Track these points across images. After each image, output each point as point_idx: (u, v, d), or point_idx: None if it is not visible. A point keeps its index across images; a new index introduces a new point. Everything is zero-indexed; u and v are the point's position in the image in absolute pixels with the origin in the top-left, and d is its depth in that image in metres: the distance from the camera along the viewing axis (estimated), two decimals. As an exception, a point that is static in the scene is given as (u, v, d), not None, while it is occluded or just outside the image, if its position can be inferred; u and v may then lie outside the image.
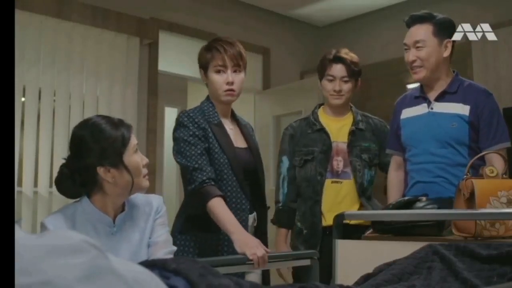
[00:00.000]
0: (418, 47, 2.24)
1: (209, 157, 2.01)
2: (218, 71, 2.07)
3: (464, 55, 3.95)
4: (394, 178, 2.43)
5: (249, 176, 2.10)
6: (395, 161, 2.43)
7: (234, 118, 2.22)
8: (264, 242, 2.11)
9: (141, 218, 1.71)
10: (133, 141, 1.65)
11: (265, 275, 2.14)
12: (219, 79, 2.07)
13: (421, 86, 2.35)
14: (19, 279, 0.50)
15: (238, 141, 2.13)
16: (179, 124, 2.06)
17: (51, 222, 1.58)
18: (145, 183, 1.68)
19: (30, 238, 0.56)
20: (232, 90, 2.08)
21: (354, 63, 2.49)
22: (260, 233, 2.12)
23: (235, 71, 2.08)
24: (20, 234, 0.57)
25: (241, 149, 2.12)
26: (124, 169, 1.60)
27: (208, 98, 2.16)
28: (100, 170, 1.59)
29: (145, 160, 1.68)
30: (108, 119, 1.66)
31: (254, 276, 2.05)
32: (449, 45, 2.25)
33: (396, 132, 2.40)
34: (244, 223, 2.00)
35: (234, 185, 2.02)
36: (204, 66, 2.13)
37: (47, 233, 0.60)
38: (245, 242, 1.78)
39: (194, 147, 1.99)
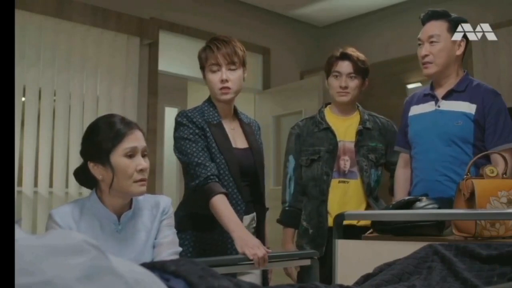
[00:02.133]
0: (432, 42, 2.25)
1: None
2: (213, 70, 2.06)
3: (464, 55, 3.95)
4: (401, 176, 2.42)
5: (247, 177, 2.08)
6: (402, 158, 2.43)
7: (237, 117, 2.20)
8: (262, 242, 2.11)
9: (148, 218, 1.71)
10: (128, 144, 1.61)
11: (264, 276, 2.13)
12: (214, 78, 2.06)
13: (431, 84, 2.36)
14: (19, 279, 0.50)
15: (238, 142, 2.11)
16: (178, 124, 2.06)
17: (58, 214, 1.61)
18: (136, 189, 1.64)
19: (30, 239, 0.56)
20: (227, 88, 2.05)
21: (360, 60, 2.52)
22: (258, 233, 2.10)
23: (230, 69, 2.05)
24: (20, 234, 0.57)
25: (241, 150, 2.09)
26: (109, 167, 1.61)
27: (209, 98, 2.15)
28: (90, 165, 1.64)
29: (141, 166, 1.62)
30: (119, 118, 1.68)
31: (251, 277, 2.04)
32: (463, 44, 2.27)
33: (404, 129, 2.40)
34: None
35: (230, 186, 2.00)
36: (202, 66, 2.12)
37: (47, 234, 0.60)
38: (245, 241, 1.77)
39: (195, 144, 1.99)
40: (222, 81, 2.04)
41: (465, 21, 2.29)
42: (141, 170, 1.63)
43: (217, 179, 1.93)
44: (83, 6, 3.66)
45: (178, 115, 2.09)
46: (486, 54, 3.96)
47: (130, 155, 1.62)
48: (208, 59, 2.06)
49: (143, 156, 1.66)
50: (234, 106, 2.19)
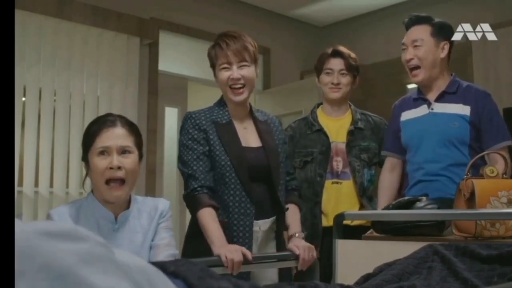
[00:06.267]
0: (416, 46, 2.28)
1: (211, 160, 1.92)
2: (225, 68, 1.95)
3: (464, 55, 3.95)
4: (387, 180, 2.41)
5: (260, 178, 1.97)
6: (390, 162, 2.43)
7: (252, 115, 2.08)
8: (281, 246, 2.00)
9: (146, 220, 1.71)
10: (100, 142, 1.62)
11: (285, 273, 2.01)
12: (225, 76, 1.95)
13: (419, 88, 2.38)
14: (17, 263, 0.50)
15: (251, 140, 2.01)
16: (181, 127, 2.00)
17: (56, 213, 1.62)
18: (107, 193, 1.62)
19: (28, 224, 0.55)
20: (239, 87, 1.95)
21: (352, 58, 2.52)
22: (278, 238, 2.00)
23: (241, 66, 1.95)
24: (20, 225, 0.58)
25: (252, 149, 1.99)
26: (88, 166, 1.67)
27: (221, 97, 2.06)
28: (83, 164, 1.70)
29: (111, 164, 1.61)
30: (106, 116, 1.70)
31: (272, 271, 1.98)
32: (446, 47, 2.29)
33: (396, 134, 2.40)
34: (247, 228, 1.90)
35: (238, 188, 1.91)
36: (212, 65, 2.01)
37: (44, 221, 0.60)
38: (224, 245, 1.73)
39: (191, 151, 1.92)
40: (233, 79, 1.94)
41: (449, 25, 2.32)
42: (111, 168, 1.61)
43: (206, 190, 1.86)
44: (83, 6, 3.65)
45: (183, 117, 2.02)
46: (486, 54, 3.95)
47: (103, 153, 1.63)
48: (218, 57, 1.96)
49: (123, 153, 1.64)
50: (251, 105, 2.10)
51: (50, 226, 0.56)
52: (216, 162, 1.92)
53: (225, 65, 1.95)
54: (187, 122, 1.98)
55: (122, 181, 1.63)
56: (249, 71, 1.96)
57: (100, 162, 1.62)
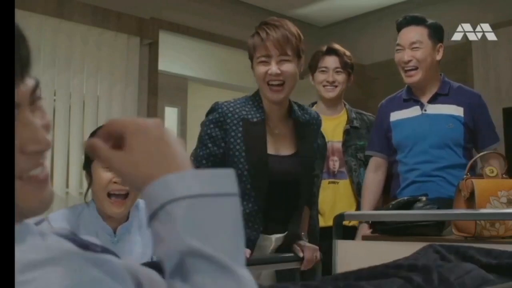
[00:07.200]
0: (414, 48, 2.26)
1: (229, 163, 1.72)
2: (262, 62, 1.73)
3: (464, 55, 3.95)
4: (372, 180, 2.36)
5: (284, 192, 1.78)
6: (375, 162, 2.38)
7: (292, 115, 1.84)
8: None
9: (145, 230, 1.66)
10: None
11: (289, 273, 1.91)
12: (262, 72, 1.73)
13: (409, 88, 2.36)
14: None
15: (282, 147, 1.80)
16: (206, 114, 1.80)
17: (54, 218, 1.58)
18: (108, 207, 1.58)
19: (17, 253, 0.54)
20: (277, 85, 1.72)
21: (347, 55, 2.52)
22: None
23: (282, 61, 1.72)
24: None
25: (280, 158, 1.77)
26: (89, 177, 1.62)
27: (257, 91, 1.85)
28: (84, 173, 1.66)
29: (114, 179, 1.54)
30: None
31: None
32: (441, 50, 2.30)
33: (385, 134, 2.37)
34: (251, 243, 1.72)
35: (251, 200, 1.72)
36: (250, 57, 1.79)
37: (29, 246, 0.58)
38: None
39: (204, 148, 1.77)
40: (271, 75, 1.72)
41: (441, 27, 2.32)
42: (115, 183, 1.57)
43: None
44: (83, 6, 3.65)
45: (212, 106, 1.80)
46: (486, 54, 3.95)
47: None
48: (257, 48, 1.74)
49: None
50: (291, 102, 1.87)
51: (34, 254, 0.54)
52: (232, 168, 1.75)
53: (263, 58, 1.73)
54: (211, 114, 1.78)
55: (125, 195, 1.59)
56: (290, 67, 1.74)
57: (103, 175, 1.57)
